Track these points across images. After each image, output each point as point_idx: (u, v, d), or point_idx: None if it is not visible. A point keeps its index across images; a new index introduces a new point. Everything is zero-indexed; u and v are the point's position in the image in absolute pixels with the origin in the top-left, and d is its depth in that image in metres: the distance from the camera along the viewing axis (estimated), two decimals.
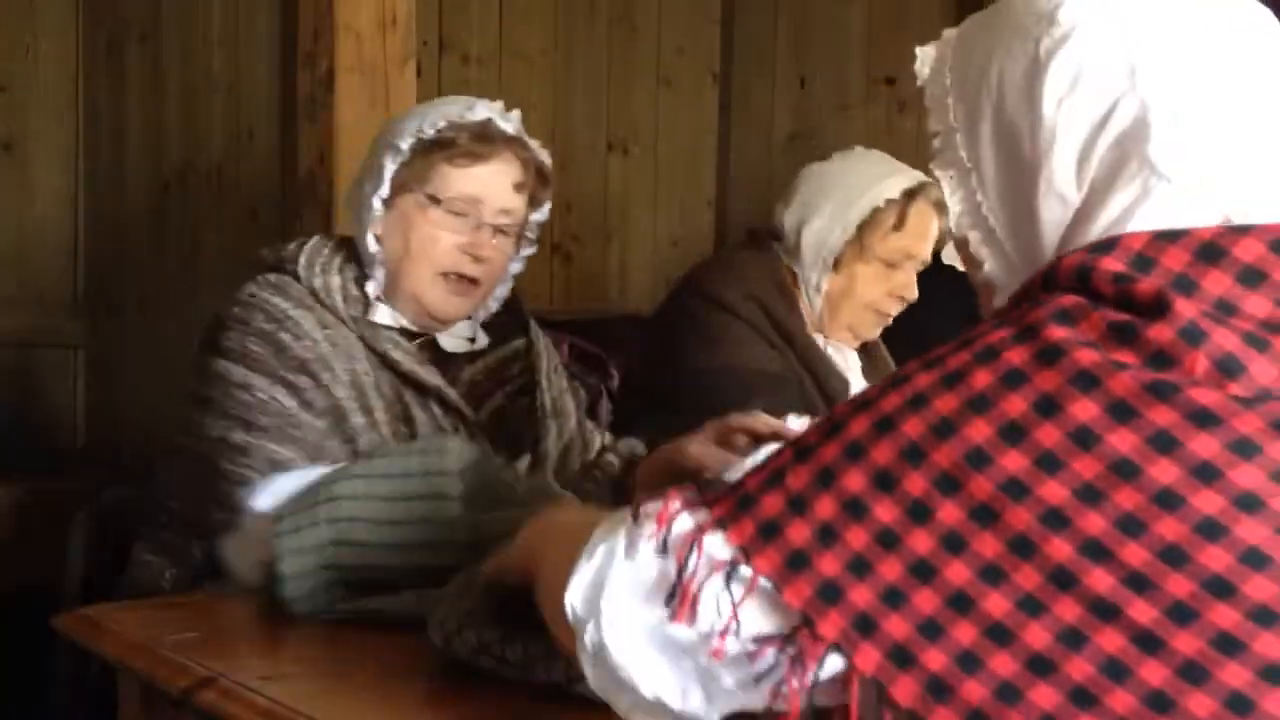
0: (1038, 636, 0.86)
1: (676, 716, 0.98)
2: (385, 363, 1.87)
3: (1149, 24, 0.99)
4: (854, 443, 0.94)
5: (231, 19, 3.14)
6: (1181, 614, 0.84)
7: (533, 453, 1.94)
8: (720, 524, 0.97)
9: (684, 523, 0.98)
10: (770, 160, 4.07)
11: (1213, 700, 0.83)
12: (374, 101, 2.74)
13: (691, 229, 4.17)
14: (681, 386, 2.30)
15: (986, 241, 1.07)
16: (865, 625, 0.90)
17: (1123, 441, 0.87)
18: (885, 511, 0.91)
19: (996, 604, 0.87)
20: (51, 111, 3.53)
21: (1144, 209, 0.97)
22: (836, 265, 2.39)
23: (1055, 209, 1.01)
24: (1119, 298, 0.93)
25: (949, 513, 0.89)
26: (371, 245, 1.90)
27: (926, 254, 2.42)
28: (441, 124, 1.88)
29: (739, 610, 0.94)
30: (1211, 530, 0.85)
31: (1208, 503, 0.85)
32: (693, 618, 0.94)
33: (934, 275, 2.44)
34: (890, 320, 2.47)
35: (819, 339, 2.43)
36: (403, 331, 1.92)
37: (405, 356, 1.88)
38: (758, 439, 1.65)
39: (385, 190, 1.89)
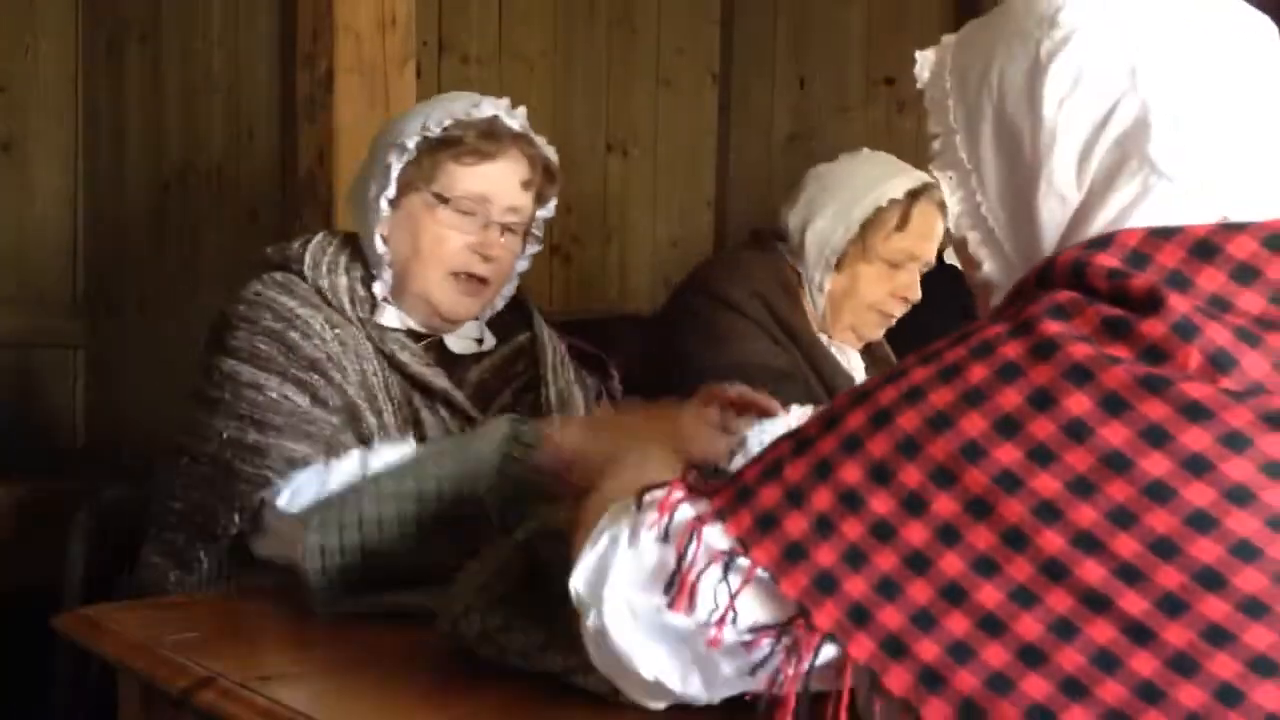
0: (1029, 627, 0.87)
1: (678, 698, 1.00)
2: (393, 364, 1.85)
3: (1149, 26, 1.00)
4: (851, 435, 0.95)
5: (231, 19, 3.13)
6: (1172, 605, 0.85)
7: None
8: (719, 515, 0.98)
9: (684, 512, 0.99)
10: (770, 161, 4.07)
11: (1203, 691, 0.83)
12: (373, 102, 2.74)
13: (691, 230, 4.17)
14: (688, 384, 2.30)
15: (986, 242, 1.08)
16: (860, 615, 0.91)
17: (1115, 434, 0.88)
18: (881, 504, 0.92)
19: (989, 595, 0.88)
20: (51, 111, 3.52)
21: (1143, 208, 0.98)
22: (839, 265, 2.39)
23: (1055, 209, 1.02)
24: (1113, 293, 0.93)
25: (944, 505, 0.90)
26: (379, 246, 1.87)
27: (930, 255, 2.42)
28: (448, 122, 1.85)
29: (736, 600, 0.95)
30: (1202, 522, 0.85)
31: (1199, 495, 0.86)
32: (691, 607, 0.96)
33: (937, 275, 2.45)
34: (893, 321, 2.47)
35: (823, 339, 2.43)
36: (409, 333, 1.91)
37: (412, 359, 1.86)
38: (739, 409, 1.70)
39: (392, 190, 1.86)
